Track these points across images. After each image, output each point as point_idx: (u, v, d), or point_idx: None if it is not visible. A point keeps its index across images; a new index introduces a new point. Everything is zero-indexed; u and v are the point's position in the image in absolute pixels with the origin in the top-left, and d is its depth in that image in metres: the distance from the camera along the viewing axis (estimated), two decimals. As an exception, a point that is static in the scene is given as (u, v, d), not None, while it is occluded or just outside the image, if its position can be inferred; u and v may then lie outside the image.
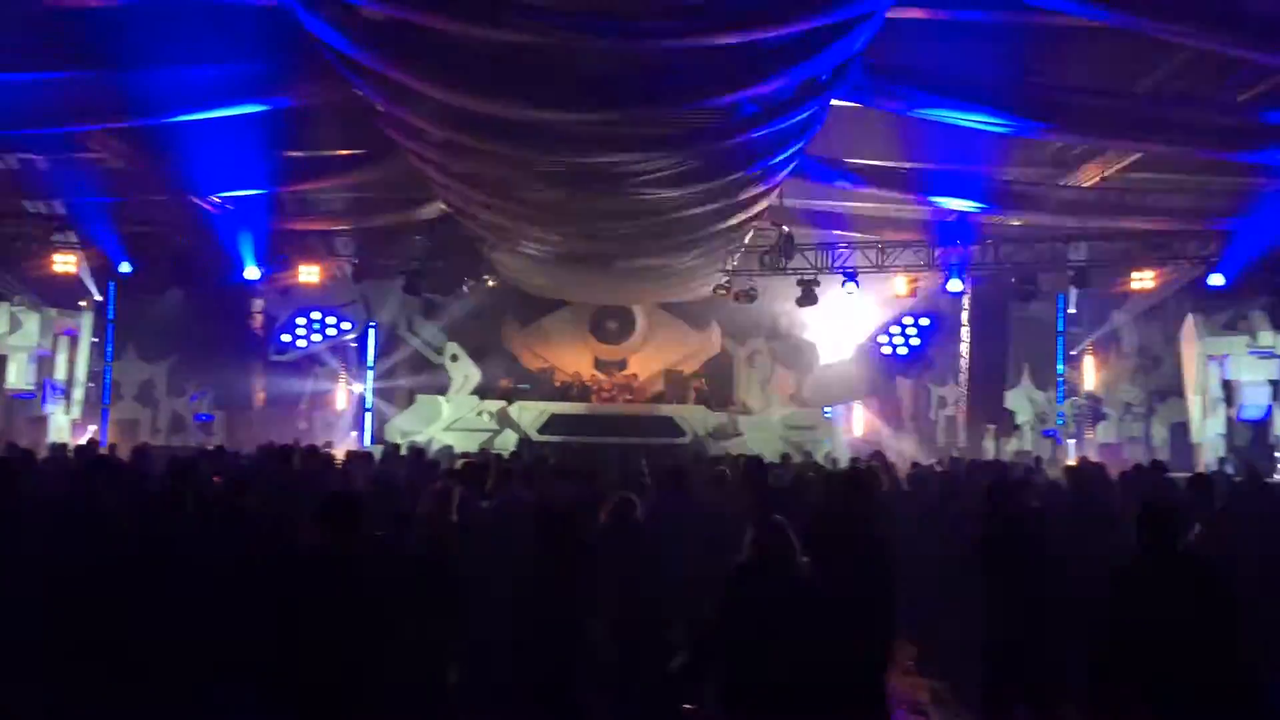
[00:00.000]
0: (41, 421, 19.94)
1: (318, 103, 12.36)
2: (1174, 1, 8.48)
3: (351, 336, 23.75)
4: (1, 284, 19.27)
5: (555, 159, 11.67)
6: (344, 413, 24.11)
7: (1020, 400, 23.00)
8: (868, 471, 9.78)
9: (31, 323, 19.44)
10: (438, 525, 5.90)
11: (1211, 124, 11.33)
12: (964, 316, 22.91)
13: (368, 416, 24.20)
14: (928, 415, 24.37)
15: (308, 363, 23.42)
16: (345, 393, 24.15)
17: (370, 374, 24.33)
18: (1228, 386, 19.36)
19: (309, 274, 20.45)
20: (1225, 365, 19.23)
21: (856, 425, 24.44)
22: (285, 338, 23.01)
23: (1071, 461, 18.00)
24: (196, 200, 16.39)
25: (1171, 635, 4.52)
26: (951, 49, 11.08)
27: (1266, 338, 18.56)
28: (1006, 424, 22.73)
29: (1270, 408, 19.00)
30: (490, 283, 21.45)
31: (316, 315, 23.12)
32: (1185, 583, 4.65)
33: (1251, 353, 18.79)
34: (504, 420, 21.30)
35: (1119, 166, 14.43)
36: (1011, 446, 22.21)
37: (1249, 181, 14.47)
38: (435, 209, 16.68)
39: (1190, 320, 19.72)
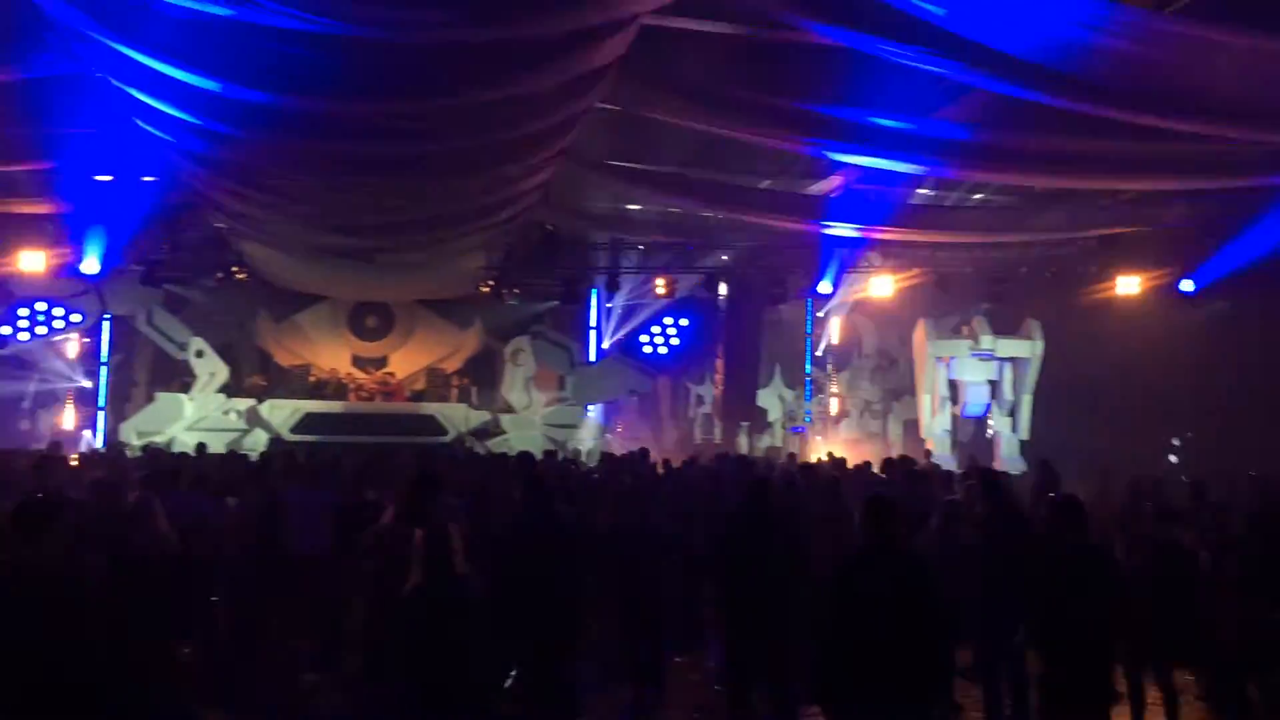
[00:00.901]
0: None
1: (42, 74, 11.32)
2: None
3: (82, 330, 21.96)
4: None
5: (318, 147, 11.23)
6: (73, 412, 22.27)
7: (771, 399, 24.10)
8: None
9: None
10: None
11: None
12: (720, 317, 23.76)
13: (100, 416, 22.43)
14: (686, 413, 25.13)
15: (31, 358, 21.49)
16: (75, 390, 22.30)
17: (104, 370, 22.57)
18: (953, 386, 20.96)
19: (32, 261, 18.63)
20: (951, 366, 20.81)
21: (619, 423, 24.89)
22: (4, 330, 21.01)
23: (824, 457, 18.97)
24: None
25: (879, 627, 4.78)
26: (718, 61, 11.44)
27: (987, 341, 20.23)
28: (759, 421, 23.80)
29: (989, 405, 20.74)
30: (240, 275, 20.34)
31: (42, 306, 21.24)
32: (898, 575, 4.93)
33: (974, 355, 20.41)
34: (254, 419, 20.31)
35: (859, 174, 15.28)
36: (763, 443, 23.27)
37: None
38: (178, 194, 15.62)
39: (921, 325, 21.23)
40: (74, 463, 13.25)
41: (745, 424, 23.70)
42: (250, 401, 20.60)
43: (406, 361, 23.40)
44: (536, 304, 22.74)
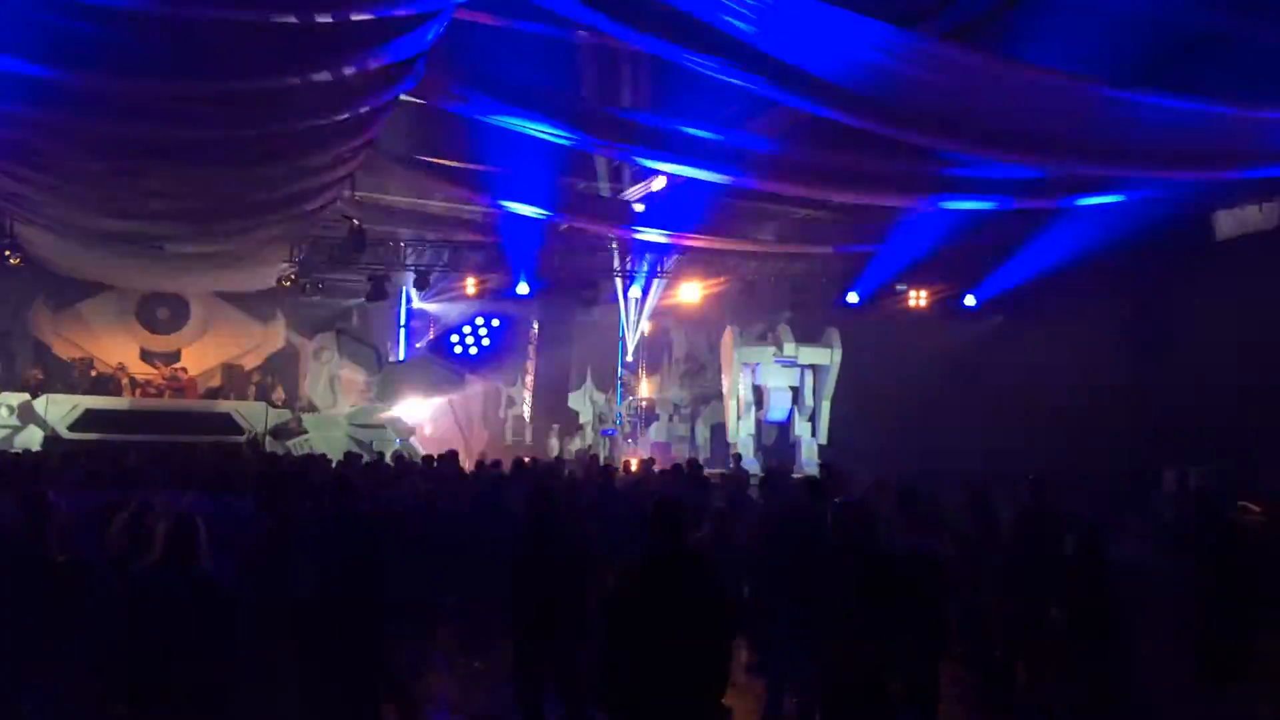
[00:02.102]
0: None
1: None
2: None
3: None
4: None
5: (104, 129, 10.51)
6: None
7: (583, 401, 24.18)
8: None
9: None
10: None
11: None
12: (532, 319, 23.72)
13: None
14: (497, 414, 24.93)
15: None
16: None
17: None
18: (758, 391, 21.56)
19: None
20: (756, 372, 21.41)
21: (428, 424, 24.43)
22: None
23: (631, 460, 19.17)
24: None
25: (664, 632, 4.84)
26: (521, 61, 11.43)
27: (790, 348, 20.93)
28: (570, 423, 23.87)
29: (792, 410, 21.46)
30: (13, 260, 18.81)
31: None
32: (685, 577, 4.99)
33: (777, 361, 21.06)
34: (27, 415, 18.83)
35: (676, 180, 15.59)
36: (574, 445, 23.34)
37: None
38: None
39: (729, 331, 21.78)
40: None
41: (556, 426, 23.72)
42: (23, 396, 19.11)
43: (201, 356, 22.22)
44: (343, 300, 22.05)
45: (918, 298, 18.99)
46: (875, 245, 17.83)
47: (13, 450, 15.50)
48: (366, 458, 15.31)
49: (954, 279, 18.22)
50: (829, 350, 20.74)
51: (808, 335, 20.91)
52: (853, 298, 19.09)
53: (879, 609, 5.73)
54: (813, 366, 21.00)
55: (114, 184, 12.99)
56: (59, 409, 18.94)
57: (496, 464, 13.66)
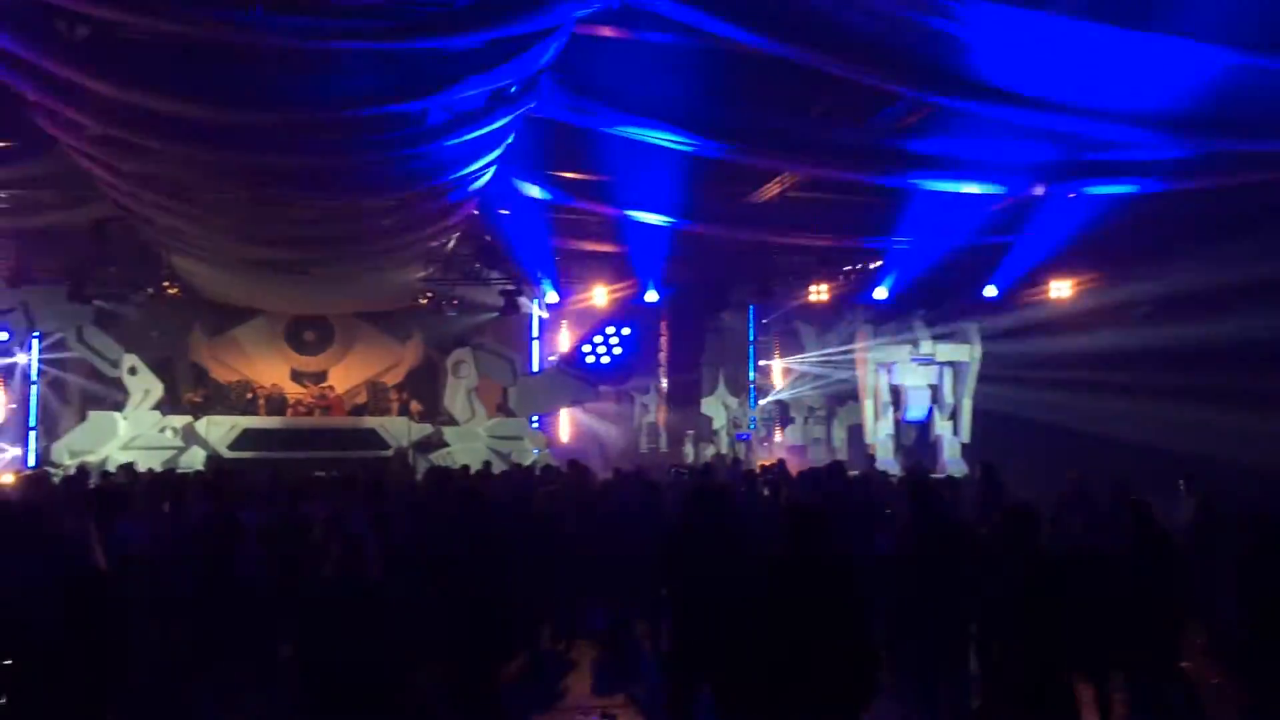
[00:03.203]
0: None
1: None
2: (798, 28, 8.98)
3: (10, 348, 21.36)
4: None
5: (237, 159, 11.04)
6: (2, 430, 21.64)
7: (715, 406, 24.12)
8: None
9: None
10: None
11: (863, 149, 12.31)
12: (662, 326, 23.76)
13: (32, 435, 21.83)
14: (630, 422, 25.07)
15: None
16: (4, 409, 21.67)
17: (35, 389, 21.97)
18: (895, 391, 21.14)
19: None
20: (893, 372, 21.00)
21: (564, 433, 24.75)
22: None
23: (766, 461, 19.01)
24: None
25: (803, 630, 4.75)
26: (641, 69, 11.43)
27: (926, 346, 20.45)
28: (704, 430, 23.83)
29: (931, 409, 20.94)
30: (172, 290, 19.91)
31: (-37, 324, 20.62)
32: (821, 579, 4.90)
33: (914, 360, 20.63)
34: (190, 437, 19.89)
35: (793, 183, 15.40)
36: (709, 451, 23.29)
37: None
38: (104, 208, 15.28)
39: (862, 330, 21.41)
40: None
41: (690, 432, 23.71)
42: (186, 418, 20.18)
43: (346, 375, 23.10)
44: (477, 315, 22.53)
45: (1060, 289, 18.21)
46: (1012, 236, 17.19)
47: (179, 469, 16.36)
48: (504, 467, 15.63)
49: (1101, 268, 17.39)
50: (968, 346, 20.19)
51: (945, 332, 20.42)
52: (990, 291, 18.43)
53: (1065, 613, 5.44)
54: (952, 364, 20.48)
55: (258, 213, 13.60)
56: (219, 430, 19.94)
57: (639, 470, 13.76)
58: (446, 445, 20.96)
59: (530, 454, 21.03)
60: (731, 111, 12.29)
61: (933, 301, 20.07)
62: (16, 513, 6.85)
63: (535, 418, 23.31)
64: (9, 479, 12.49)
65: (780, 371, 25.17)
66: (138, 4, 7.16)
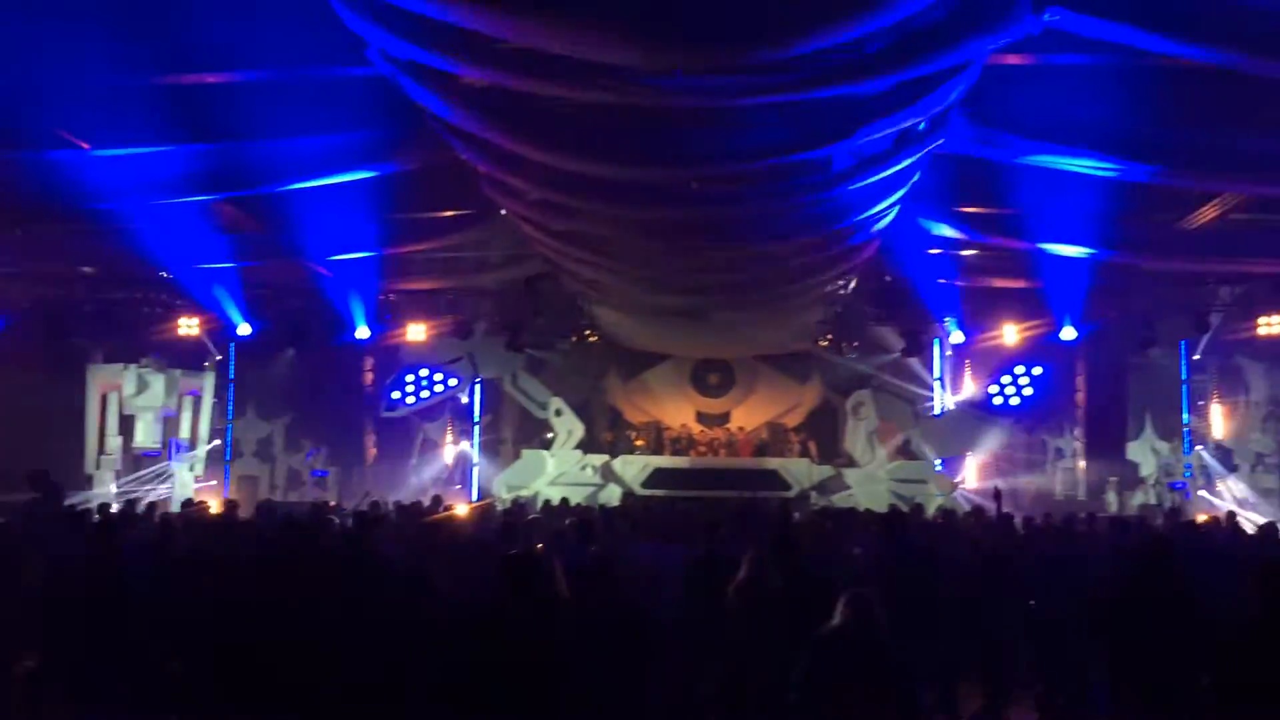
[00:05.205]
0: (167, 479, 20.68)
1: (422, 166, 12.72)
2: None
3: (458, 393, 24.12)
4: (130, 348, 20.20)
5: (652, 214, 11.78)
6: (450, 468, 24.40)
7: (1143, 451, 21.99)
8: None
9: (158, 384, 20.24)
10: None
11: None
12: (1079, 365, 22.13)
13: (474, 471, 24.46)
14: (1043, 467, 23.51)
15: (416, 419, 23.84)
16: (452, 448, 24.46)
17: (476, 429, 24.63)
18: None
19: (416, 332, 21.00)
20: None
21: (970, 478, 23.70)
22: (395, 395, 23.46)
23: (1204, 516, 17.05)
24: (310, 264, 16.97)
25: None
26: (1054, 94, 10.82)
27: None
28: (1129, 476, 21.82)
29: None
30: (591, 337, 21.61)
31: (424, 372, 23.49)
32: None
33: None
34: (607, 474, 21.33)
35: (1234, 204, 13.79)
36: (1136, 500, 21.28)
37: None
38: (536, 266, 16.96)
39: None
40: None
41: (1114, 479, 21.78)
42: (604, 457, 21.68)
43: (748, 417, 23.72)
44: (877, 356, 22.26)
45: None
46: None
47: (599, 504, 17.58)
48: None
49: None
50: None
51: None
52: None
53: None
54: None
55: (669, 263, 14.40)
56: (632, 468, 21.24)
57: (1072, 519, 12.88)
58: (848, 488, 20.84)
59: (935, 498, 20.35)
60: (1161, 131, 11.27)
61: None
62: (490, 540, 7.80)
63: (939, 461, 22.54)
64: (464, 509, 13.99)
65: (1221, 414, 22.44)
66: (583, 80, 7.88)
